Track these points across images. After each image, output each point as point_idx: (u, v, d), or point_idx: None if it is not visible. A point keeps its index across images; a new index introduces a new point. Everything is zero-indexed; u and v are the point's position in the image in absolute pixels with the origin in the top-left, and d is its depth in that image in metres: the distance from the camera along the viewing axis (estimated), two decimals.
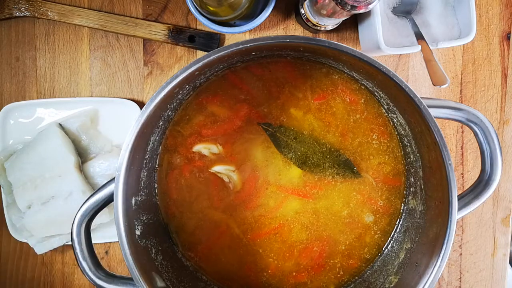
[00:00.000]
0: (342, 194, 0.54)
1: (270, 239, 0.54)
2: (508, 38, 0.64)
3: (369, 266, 0.54)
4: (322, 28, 0.58)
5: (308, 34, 0.62)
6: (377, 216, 0.54)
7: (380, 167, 0.53)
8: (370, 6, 0.44)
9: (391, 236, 0.54)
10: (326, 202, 0.54)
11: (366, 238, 0.54)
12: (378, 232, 0.54)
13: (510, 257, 0.68)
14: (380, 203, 0.54)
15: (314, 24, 0.57)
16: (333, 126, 0.53)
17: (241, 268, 0.54)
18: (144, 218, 0.49)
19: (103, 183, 0.45)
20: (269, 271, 0.54)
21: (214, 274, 0.54)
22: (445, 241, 0.42)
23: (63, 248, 0.64)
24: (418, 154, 0.50)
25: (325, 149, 0.53)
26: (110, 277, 0.44)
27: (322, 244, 0.54)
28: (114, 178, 0.42)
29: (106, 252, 0.64)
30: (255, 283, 0.54)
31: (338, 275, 0.54)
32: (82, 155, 0.61)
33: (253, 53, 0.48)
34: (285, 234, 0.54)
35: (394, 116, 0.52)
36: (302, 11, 0.57)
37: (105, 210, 0.45)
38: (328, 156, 0.53)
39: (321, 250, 0.54)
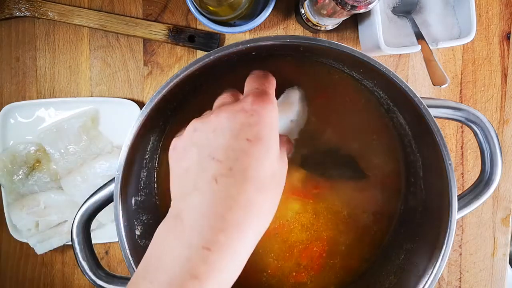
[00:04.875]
0: (343, 194, 0.53)
1: (270, 240, 0.54)
2: (508, 38, 0.64)
3: (369, 266, 0.54)
4: (322, 28, 0.58)
5: (308, 34, 0.62)
6: (377, 216, 0.54)
7: (381, 167, 0.53)
8: (370, 6, 0.44)
9: (391, 236, 0.54)
10: (326, 202, 0.54)
11: (366, 238, 0.54)
12: (378, 232, 0.54)
13: (510, 257, 0.68)
14: (380, 203, 0.53)
15: (314, 24, 0.57)
16: (334, 126, 0.53)
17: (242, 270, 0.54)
18: (144, 218, 0.49)
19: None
20: (269, 271, 0.54)
21: None
22: (445, 241, 0.42)
23: (63, 248, 0.64)
24: (418, 154, 0.50)
25: (326, 149, 0.53)
26: (110, 277, 0.44)
27: (322, 244, 0.54)
28: (114, 178, 0.42)
29: (106, 252, 0.64)
30: (254, 283, 0.54)
31: (338, 275, 0.54)
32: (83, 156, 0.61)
33: (253, 53, 0.48)
34: (285, 235, 0.54)
35: (394, 116, 0.52)
36: (302, 11, 0.57)
37: (105, 210, 0.45)
38: (330, 157, 0.53)
39: (321, 250, 0.54)
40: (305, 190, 0.53)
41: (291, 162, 0.53)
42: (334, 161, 0.53)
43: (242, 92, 0.40)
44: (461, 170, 0.65)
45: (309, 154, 0.53)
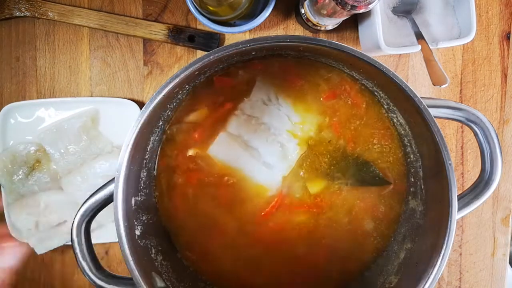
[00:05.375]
0: (346, 202, 0.53)
1: (267, 245, 0.53)
2: (508, 38, 0.64)
3: (368, 269, 0.54)
4: (322, 28, 0.58)
5: (308, 34, 0.62)
6: (377, 222, 0.53)
7: (385, 171, 0.53)
8: (370, 6, 0.44)
9: (391, 238, 0.54)
10: (330, 211, 0.53)
11: (365, 244, 0.53)
12: (378, 237, 0.53)
13: (510, 257, 0.68)
14: (382, 209, 0.53)
15: (314, 24, 0.57)
16: (338, 129, 0.53)
17: (238, 270, 0.53)
18: (144, 218, 0.49)
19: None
20: (265, 274, 0.53)
21: (212, 275, 0.54)
22: (445, 241, 0.42)
23: (63, 248, 0.64)
24: (418, 154, 0.50)
25: (340, 155, 0.52)
26: (110, 277, 0.44)
27: (320, 250, 0.53)
28: (114, 178, 0.42)
29: (106, 252, 0.64)
30: (251, 285, 0.53)
31: (336, 280, 0.53)
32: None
33: (253, 53, 0.48)
34: (284, 241, 0.53)
35: (394, 116, 0.52)
36: (302, 11, 0.57)
37: (105, 210, 0.45)
38: (348, 163, 0.52)
39: (318, 256, 0.53)
40: (314, 201, 0.53)
41: (311, 171, 0.52)
42: (353, 168, 0.53)
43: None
44: (461, 170, 0.65)
45: (327, 163, 0.52)
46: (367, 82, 0.51)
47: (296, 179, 0.53)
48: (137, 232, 0.46)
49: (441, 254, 0.42)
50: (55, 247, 0.61)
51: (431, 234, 0.45)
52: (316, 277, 0.53)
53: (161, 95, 0.41)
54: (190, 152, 0.53)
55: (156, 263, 0.48)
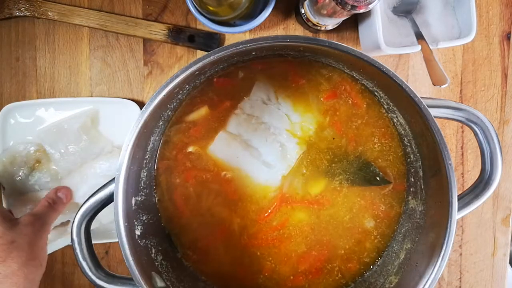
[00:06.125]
0: (347, 200, 0.53)
1: (269, 244, 0.53)
2: (508, 38, 0.64)
3: (368, 269, 0.54)
4: (322, 28, 0.58)
5: (308, 34, 0.62)
6: (378, 221, 0.53)
7: (385, 170, 0.53)
8: (370, 6, 0.44)
9: (391, 238, 0.54)
10: (331, 208, 0.53)
11: (366, 243, 0.53)
12: (378, 236, 0.53)
13: (510, 257, 0.68)
14: (382, 208, 0.53)
15: (314, 24, 0.57)
16: (339, 129, 0.53)
17: (238, 270, 0.53)
18: (144, 218, 0.49)
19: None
20: (266, 274, 0.53)
21: (212, 275, 0.54)
22: (445, 241, 0.42)
23: (63, 248, 0.64)
24: (418, 154, 0.50)
25: (342, 155, 0.52)
26: (110, 277, 0.44)
27: (321, 248, 0.53)
28: (114, 178, 0.42)
29: (106, 252, 0.64)
30: (251, 285, 0.53)
31: (337, 278, 0.54)
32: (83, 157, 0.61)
33: (253, 53, 0.48)
34: (285, 240, 0.53)
35: (394, 116, 0.52)
36: (302, 10, 0.57)
37: (105, 210, 0.45)
38: (349, 163, 0.53)
39: (320, 255, 0.53)
40: (315, 198, 0.53)
41: (311, 170, 0.53)
42: (354, 168, 0.53)
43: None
44: (461, 170, 0.65)
45: (329, 160, 0.52)
46: (367, 82, 0.51)
47: (296, 178, 0.53)
48: (137, 232, 0.46)
49: (441, 254, 0.42)
50: (58, 248, 0.61)
51: (431, 234, 0.45)
52: (317, 277, 0.54)
53: (161, 95, 0.41)
54: (190, 149, 0.53)
55: (156, 263, 0.48)
